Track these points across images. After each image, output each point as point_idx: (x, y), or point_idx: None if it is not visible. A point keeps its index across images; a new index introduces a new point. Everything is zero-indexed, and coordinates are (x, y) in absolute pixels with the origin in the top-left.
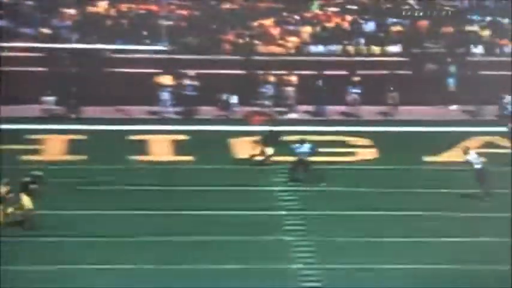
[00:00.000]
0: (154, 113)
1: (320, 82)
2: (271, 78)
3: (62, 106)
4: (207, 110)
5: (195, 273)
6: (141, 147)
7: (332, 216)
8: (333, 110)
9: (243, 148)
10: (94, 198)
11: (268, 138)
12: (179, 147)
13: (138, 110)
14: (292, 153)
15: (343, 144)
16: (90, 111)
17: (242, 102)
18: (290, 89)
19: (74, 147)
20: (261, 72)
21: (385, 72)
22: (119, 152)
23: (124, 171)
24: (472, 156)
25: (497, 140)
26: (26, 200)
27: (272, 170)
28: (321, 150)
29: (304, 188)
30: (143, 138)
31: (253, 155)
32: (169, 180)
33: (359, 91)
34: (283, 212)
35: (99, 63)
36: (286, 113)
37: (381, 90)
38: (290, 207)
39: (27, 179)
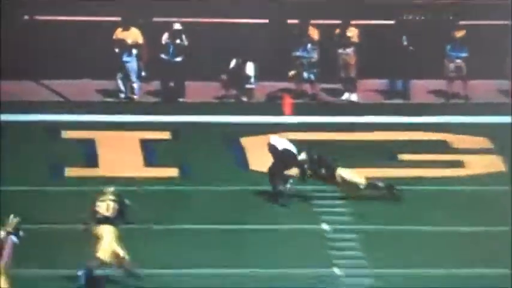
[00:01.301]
0: (109, 92)
1: (404, 39)
2: (314, 34)
3: None
4: (201, 89)
5: None
6: (85, 152)
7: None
8: (421, 86)
9: (266, 154)
10: None
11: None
12: (154, 154)
13: (81, 88)
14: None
15: (443, 146)
16: None
17: (264, 74)
18: (347, 51)
19: None
20: (297, 22)
21: (507, 22)
22: (44, 161)
23: (50, 196)
24: None
25: None
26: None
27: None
28: (402, 157)
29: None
30: (90, 136)
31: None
32: (136, 213)
33: (465, 54)
34: (338, 271)
35: (16, 9)
36: (341, 92)
37: (502, 52)
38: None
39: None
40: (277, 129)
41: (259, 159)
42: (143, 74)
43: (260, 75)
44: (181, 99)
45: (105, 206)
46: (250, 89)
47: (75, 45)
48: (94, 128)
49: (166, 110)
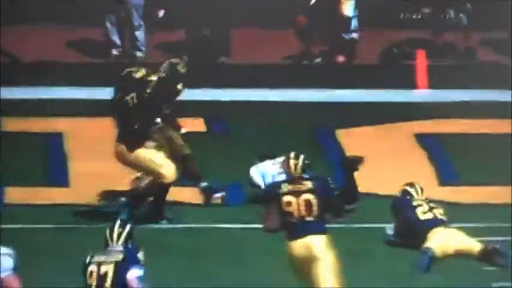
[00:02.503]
0: (93, 47)
1: None
2: None
3: None
4: (261, 41)
5: None
6: (44, 158)
7: None
8: None
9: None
10: None
11: None
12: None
13: (41, 39)
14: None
15: None
16: None
17: (374, 14)
18: None
19: None
20: None
21: None
22: None
23: None
24: None
25: None
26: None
27: None
28: None
29: None
30: (53, 128)
31: None
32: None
33: None
34: None
35: None
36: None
37: None
38: None
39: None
40: (401, 115)
41: (373, 170)
42: (155, 13)
43: (368, 17)
44: (224, 59)
45: (302, 203)
46: (351, 41)
47: None
48: (62, 114)
49: (196, 79)
